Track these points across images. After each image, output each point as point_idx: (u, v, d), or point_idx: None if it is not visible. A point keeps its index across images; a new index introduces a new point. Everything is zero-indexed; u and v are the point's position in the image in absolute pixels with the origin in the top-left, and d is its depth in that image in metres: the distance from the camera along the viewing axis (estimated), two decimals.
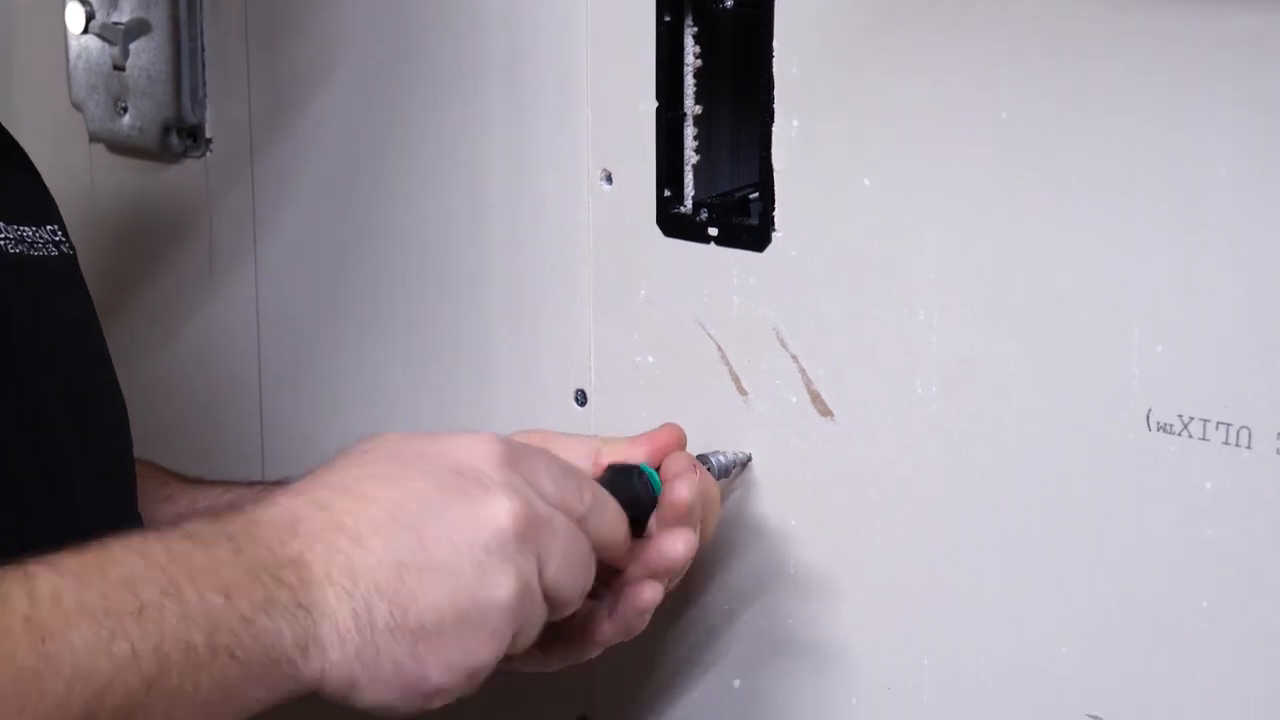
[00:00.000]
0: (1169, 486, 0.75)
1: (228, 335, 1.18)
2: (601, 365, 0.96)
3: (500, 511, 0.72)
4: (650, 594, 0.80)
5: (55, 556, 0.66)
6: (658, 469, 0.83)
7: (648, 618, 0.82)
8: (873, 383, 0.85)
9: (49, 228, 0.90)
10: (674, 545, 0.80)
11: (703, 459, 0.88)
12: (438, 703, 0.72)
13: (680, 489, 0.81)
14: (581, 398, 0.97)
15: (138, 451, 0.97)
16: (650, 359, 0.94)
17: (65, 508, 0.84)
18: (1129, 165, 0.75)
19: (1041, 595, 0.81)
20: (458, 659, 0.71)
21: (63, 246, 0.90)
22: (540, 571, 0.73)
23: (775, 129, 0.86)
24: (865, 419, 0.85)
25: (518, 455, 0.75)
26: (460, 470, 0.73)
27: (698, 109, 0.90)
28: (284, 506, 0.72)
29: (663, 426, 0.85)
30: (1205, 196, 0.73)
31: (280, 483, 1.00)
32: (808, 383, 0.87)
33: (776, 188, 0.86)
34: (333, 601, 0.69)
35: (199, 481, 1.02)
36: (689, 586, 0.92)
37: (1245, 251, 0.72)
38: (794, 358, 0.87)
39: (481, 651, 0.71)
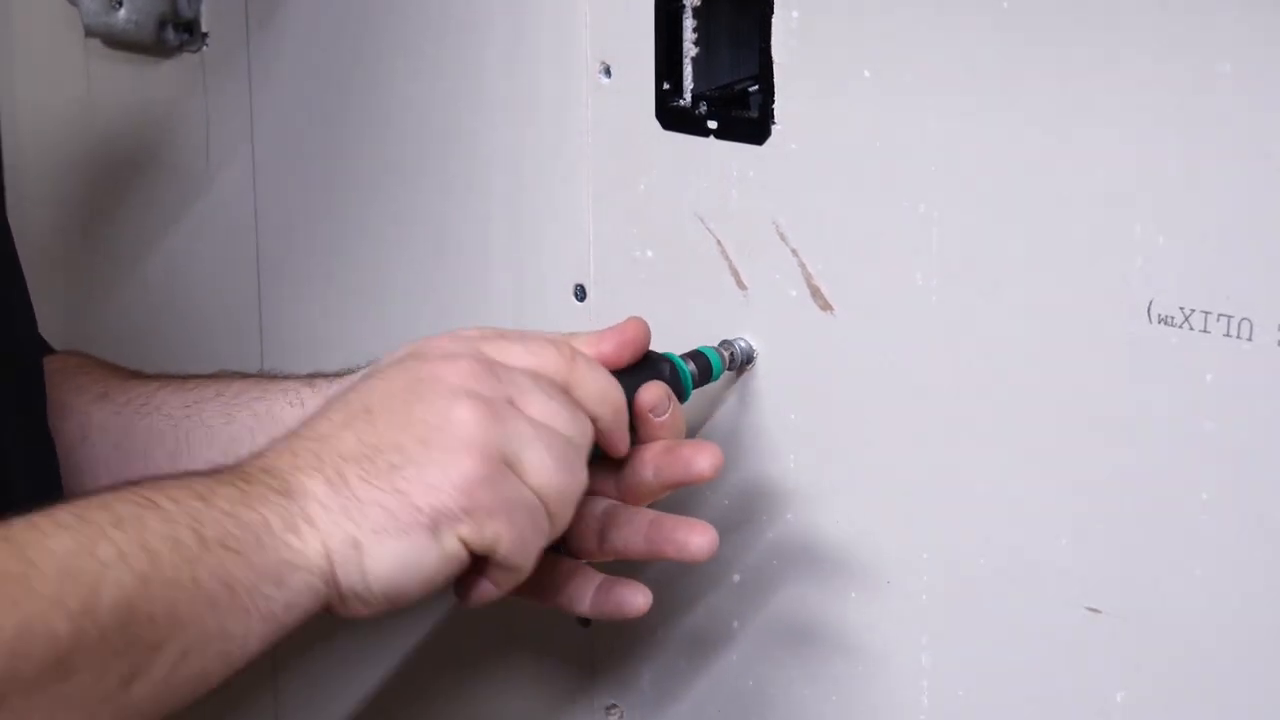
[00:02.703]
0: (1170, 379, 0.75)
1: (225, 231, 1.18)
2: (600, 260, 0.96)
3: (462, 408, 0.74)
4: (642, 600, 0.81)
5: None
6: (629, 369, 0.83)
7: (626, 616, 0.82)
8: (873, 276, 0.84)
9: None
10: (701, 457, 0.80)
11: (725, 345, 0.88)
12: (451, 539, 0.72)
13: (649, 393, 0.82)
14: (580, 293, 0.97)
15: (136, 356, 0.95)
16: (649, 253, 0.93)
17: None
18: (1132, 55, 0.74)
19: (1041, 488, 0.81)
20: (437, 476, 0.72)
21: None
22: (512, 403, 0.75)
23: (775, 20, 0.85)
24: (866, 313, 0.85)
25: (491, 371, 0.76)
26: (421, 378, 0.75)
27: (697, 0, 0.89)
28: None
29: (628, 320, 0.84)
30: (1209, 86, 0.72)
31: (248, 375, 0.99)
32: (808, 277, 0.87)
33: (776, 80, 0.85)
34: (305, 481, 0.71)
35: (137, 375, 1.00)
36: None
37: (1248, 143, 0.71)
38: (794, 252, 0.87)
39: (461, 463, 0.72)
